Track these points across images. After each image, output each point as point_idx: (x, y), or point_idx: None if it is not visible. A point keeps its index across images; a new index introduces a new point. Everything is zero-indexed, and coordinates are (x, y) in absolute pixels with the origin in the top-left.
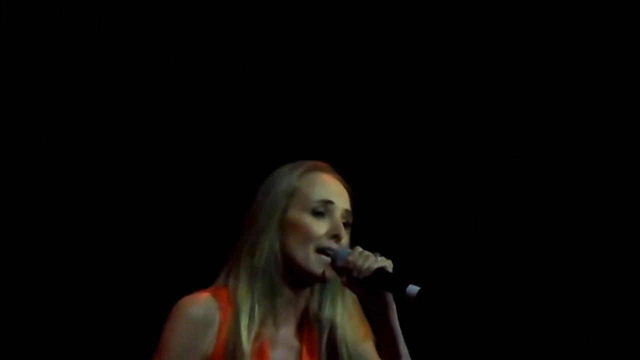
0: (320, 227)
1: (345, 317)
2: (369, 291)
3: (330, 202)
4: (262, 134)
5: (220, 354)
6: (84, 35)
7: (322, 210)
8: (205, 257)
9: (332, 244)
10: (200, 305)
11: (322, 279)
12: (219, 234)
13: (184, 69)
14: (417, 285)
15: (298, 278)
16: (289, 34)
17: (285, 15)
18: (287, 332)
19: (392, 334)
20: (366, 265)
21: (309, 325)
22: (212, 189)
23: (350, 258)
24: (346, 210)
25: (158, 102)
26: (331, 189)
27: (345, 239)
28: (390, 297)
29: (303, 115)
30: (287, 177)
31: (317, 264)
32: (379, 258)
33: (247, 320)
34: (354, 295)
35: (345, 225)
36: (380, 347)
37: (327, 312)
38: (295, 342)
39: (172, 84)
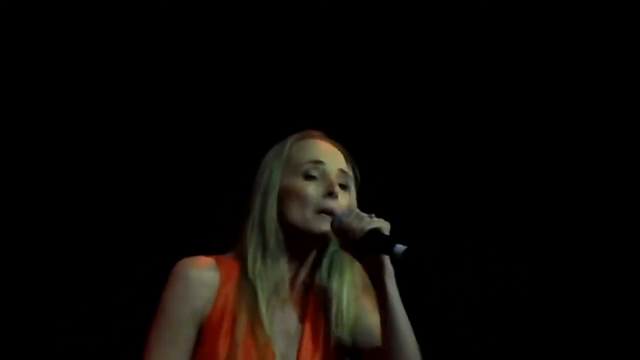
0: (314, 189)
1: (352, 289)
2: (367, 252)
3: (321, 162)
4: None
5: (217, 319)
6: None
7: (313, 172)
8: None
9: (330, 203)
10: (199, 266)
11: (323, 237)
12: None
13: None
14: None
15: (301, 243)
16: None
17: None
18: (290, 303)
19: (388, 297)
20: (360, 226)
21: (314, 297)
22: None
23: (345, 219)
24: (341, 169)
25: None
26: (321, 150)
27: (346, 200)
28: (386, 259)
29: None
30: (279, 149)
31: (317, 223)
32: (374, 219)
33: (261, 294)
34: (360, 267)
35: (343, 186)
36: (379, 312)
37: (335, 283)
38: (298, 313)
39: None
